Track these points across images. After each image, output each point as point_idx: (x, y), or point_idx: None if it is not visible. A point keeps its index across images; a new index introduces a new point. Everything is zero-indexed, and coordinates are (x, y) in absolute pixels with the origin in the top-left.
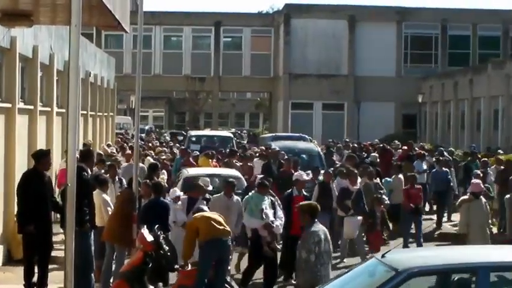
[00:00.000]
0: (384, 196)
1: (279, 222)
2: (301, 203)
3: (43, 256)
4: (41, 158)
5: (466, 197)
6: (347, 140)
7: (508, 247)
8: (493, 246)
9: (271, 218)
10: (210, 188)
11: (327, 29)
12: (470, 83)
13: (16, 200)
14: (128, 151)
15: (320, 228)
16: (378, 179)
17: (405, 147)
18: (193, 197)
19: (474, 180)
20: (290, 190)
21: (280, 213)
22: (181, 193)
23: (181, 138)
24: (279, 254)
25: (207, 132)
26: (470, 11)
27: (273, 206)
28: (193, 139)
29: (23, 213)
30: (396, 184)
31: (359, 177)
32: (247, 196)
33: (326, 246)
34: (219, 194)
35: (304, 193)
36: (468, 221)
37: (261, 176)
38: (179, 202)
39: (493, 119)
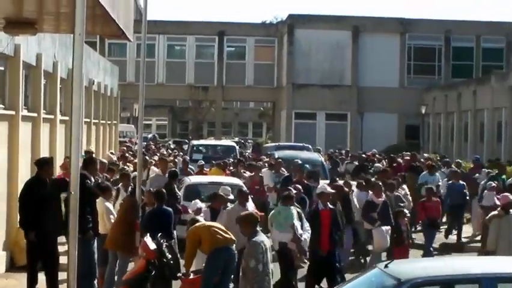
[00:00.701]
0: (405, 210)
1: (306, 235)
2: (242, 214)
3: (48, 263)
4: (43, 165)
5: (495, 212)
6: (348, 150)
7: None
8: (496, 257)
9: (300, 231)
10: (231, 197)
11: (331, 40)
12: (474, 95)
13: (18, 208)
14: (132, 159)
15: (264, 238)
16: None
17: (408, 158)
18: (216, 208)
19: (504, 194)
20: (316, 204)
21: (306, 225)
22: (203, 205)
23: (186, 147)
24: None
25: (210, 141)
26: (473, 23)
27: (299, 217)
28: (196, 148)
29: (25, 221)
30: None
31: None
32: (273, 211)
33: (270, 256)
34: (233, 205)
35: (330, 206)
36: (497, 237)
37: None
38: (202, 214)
39: (496, 131)
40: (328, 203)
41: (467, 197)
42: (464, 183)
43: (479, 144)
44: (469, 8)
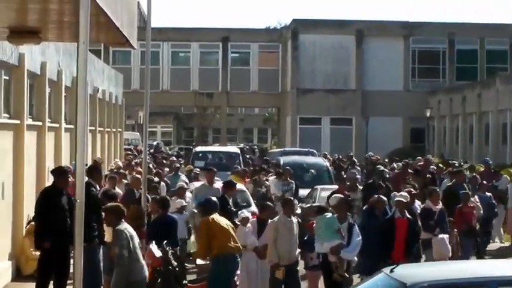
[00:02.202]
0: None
1: (350, 249)
2: (109, 205)
3: (61, 273)
4: (60, 175)
5: None
6: (350, 154)
7: None
8: (502, 260)
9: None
10: (298, 211)
11: (335, 44)
12: (478, 97)
13: (34, 216)
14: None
15: (127, 226)
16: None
17: (422, 163)
18: (264, 219)
19: None
20: (392, 213)
21: (356, 238)
22: (249, 215)
23: None
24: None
25: (213, 148)
26: (477, 25)
27: (349, 229)
28: (198, 155)
29: (41, 230)
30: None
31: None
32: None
33: (136, 243)
34: (279, 216)
35: (408, 215)
36: None
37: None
38: (249, 225)
39: (501, 133)
40: (405, 211)
41: (495, 209)
42: (491, 195)
43: (484, 146)
44: (472, 11)
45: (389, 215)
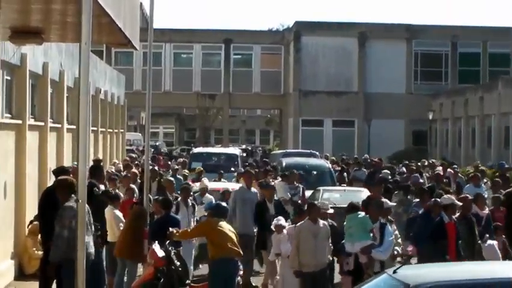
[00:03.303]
0: None
1: (382, 249)
2: (60, 179)
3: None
4: (60, 174)
5: None
6: (356, 156)
7: None
8: (506, 262)
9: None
10: (331, 211)
11: (337, 46)
12: (481, 100)
13: (37, 216)
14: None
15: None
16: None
17: (440, 167)
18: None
19: None
20: (440, 217)
21: (389, 238)
22: (283, 222)
23: None
24: None
25: (210, 149)
26: (480, 29)
27: (381, 229)
28: (196, 156)
29: (45, 230)
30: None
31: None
32: (346, 221)
33: (89, 217)
34: (304, 221)
35: (455, 218)
36: None
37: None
38: (285, 231)
39: (503, 136)
40: (453, 216)
41: None
42: None
43: (486, 149)
44: (475, 14)
45: (438, 219)
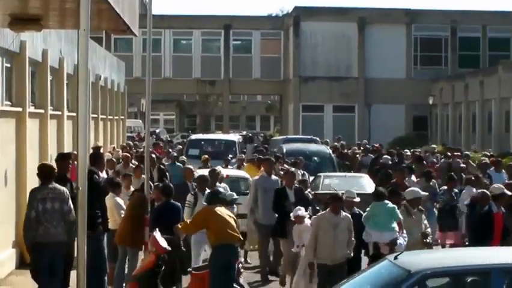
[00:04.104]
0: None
1: (402, 240)
2: (41, 164)
3: (65, 261)
4: (58, 160)
5: None
6: (359, 142)
7: None
8: (507, 248)
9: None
10: (357, 200)
11: (337, 32)
12: (481, 85)
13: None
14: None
15: (49, 188)
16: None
17: (458, 153)
18: None
19: None
20: (488, 206)
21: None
22: (306, 213)
23: None
24: None
25: (208, 135)
26: (479, 13)
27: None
28: (193, 143)
29: None
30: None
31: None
32: (368, 209)
33: (53, 205)
34: (324, 212)
35: (503, 209)
36: None
37: None
38: (308, 221)
39: (504, 121)
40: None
41: None
42: None
43: (487, 134)
44: None
45: (485, 209)
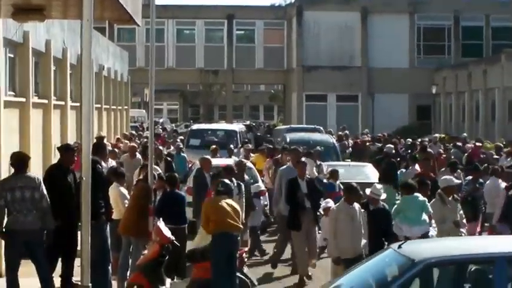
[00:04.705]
0: None
1: (433, 232)
2: (15, 152)
3: (68, 250)
4: (63, 152)
5: None
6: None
7: None
8: (511, 237)
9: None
10: (383, 196)
11: (340, 21)
12: (484, 74)
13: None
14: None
15: (19, 177)
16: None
17: (475, 145)
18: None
19: None
20: None
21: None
22: (333, 204)
23: None
24: None
25: (209, 125)
26: (482, 2)
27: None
28: (194, 133)
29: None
30: (412, 175)
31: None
32: (398, 203)
33: (23, 194)
34: (339, 203)
35: None
36: None
37: None
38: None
39: (507, 110)
40: None
41: None
42: None
43: (490, 123)
44: None
45: None
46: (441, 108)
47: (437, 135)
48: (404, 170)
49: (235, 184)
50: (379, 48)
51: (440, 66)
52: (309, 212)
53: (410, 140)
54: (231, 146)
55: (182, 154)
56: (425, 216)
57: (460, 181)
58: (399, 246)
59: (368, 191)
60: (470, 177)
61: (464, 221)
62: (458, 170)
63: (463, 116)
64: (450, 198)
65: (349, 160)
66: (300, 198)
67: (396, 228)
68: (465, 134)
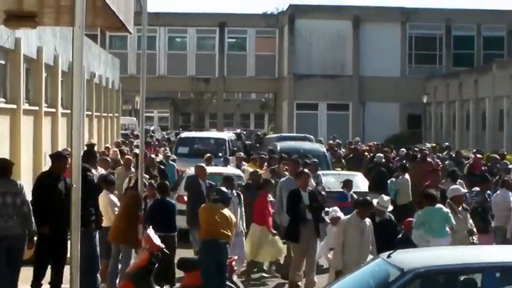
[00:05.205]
0: None
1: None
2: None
3: (58, 258)
4: (54, 159)
5: None
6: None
7: None
8: (499, 246)
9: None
10: (390, 208)
11: (332, 30)
12: (475, 84)
13: (32, 202)
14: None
15: (1, 182)
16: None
17: (476, 157)
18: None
19: None
20: None
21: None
22: (342, 214)
23: None
24: None
25: (198, 133)
26: (474, 11)
27: None
28: (182, 141)
29: (39, 215)
30: (403, 184)
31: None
32: (419, 214)
33: (5, 199)
34: (350, 216)
35: None
36: None
37: None
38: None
39: (498, 120)
40: None
41: None
42: None
43: (481, 133)
44: None
45: None
46: (432, 117)
47: (428, 144)
48: (394, 180)
49: (235, 194)
50: (370, 57)
51: (431, 76)
52: (310, 223)
53: (404, 150)
54: (220, 154)
55: (171, 162)
56: (447, 227)
57: (466, 190)
58: (389, 256)
59: (375, 202)
60: (477, 189)
61: (475, 229)
62: (460, 180)
63: (454, 125)
64: (460, 209)
65: (339, 169)
66: (302, 210)
67: (420, 239)
68: (447, 143)
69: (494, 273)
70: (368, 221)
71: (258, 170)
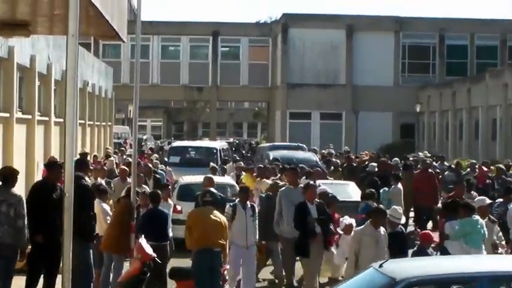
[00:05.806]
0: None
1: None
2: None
3: (51, 267)
4: (49, 168)
5: None
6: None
7: (507, 257)
8: (492, 256)
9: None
10: (403, 220)
11: (325, 39)
12: (468, 93)
13: (26, 211)
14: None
15: (1, 190)
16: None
17: (481, 169)
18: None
19: None
20: None
21: None
22: (353, 220)
23: None
24: None
25: (189, 143)
26: (467, 21)
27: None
28: (174, 150)
29: (33, 224)
30: (395, 194)
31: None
32: (460, 225)
33: (7, 209)
34: (364, 226)
35: None
36: None
37: None
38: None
39: (491, 129)
40: None
41: None
42: None
43: (474, 142)
44: (462, 6)
45: None
46: (425, 126)
47: (420, 153)
48: (386, 189)
49: (249, 206)
50: (364, 66)
51: (424, 85)
52: (319, 237)
53: (398, 159)
54: (211, 163)
55: (160, 171)
56: (482, 240)
57: (491, 201)
58: (381, 265)
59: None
60: (501, 200)
61: (504, 242)
62: (473, 192)
63: (447, 134)
64: (487, 220)
65: (331, 178)
66: (311, 224)
67: (460, 250)
68: (440, 154)
69: (486, 283)
70: (382, 230)
71: (278, 182)
